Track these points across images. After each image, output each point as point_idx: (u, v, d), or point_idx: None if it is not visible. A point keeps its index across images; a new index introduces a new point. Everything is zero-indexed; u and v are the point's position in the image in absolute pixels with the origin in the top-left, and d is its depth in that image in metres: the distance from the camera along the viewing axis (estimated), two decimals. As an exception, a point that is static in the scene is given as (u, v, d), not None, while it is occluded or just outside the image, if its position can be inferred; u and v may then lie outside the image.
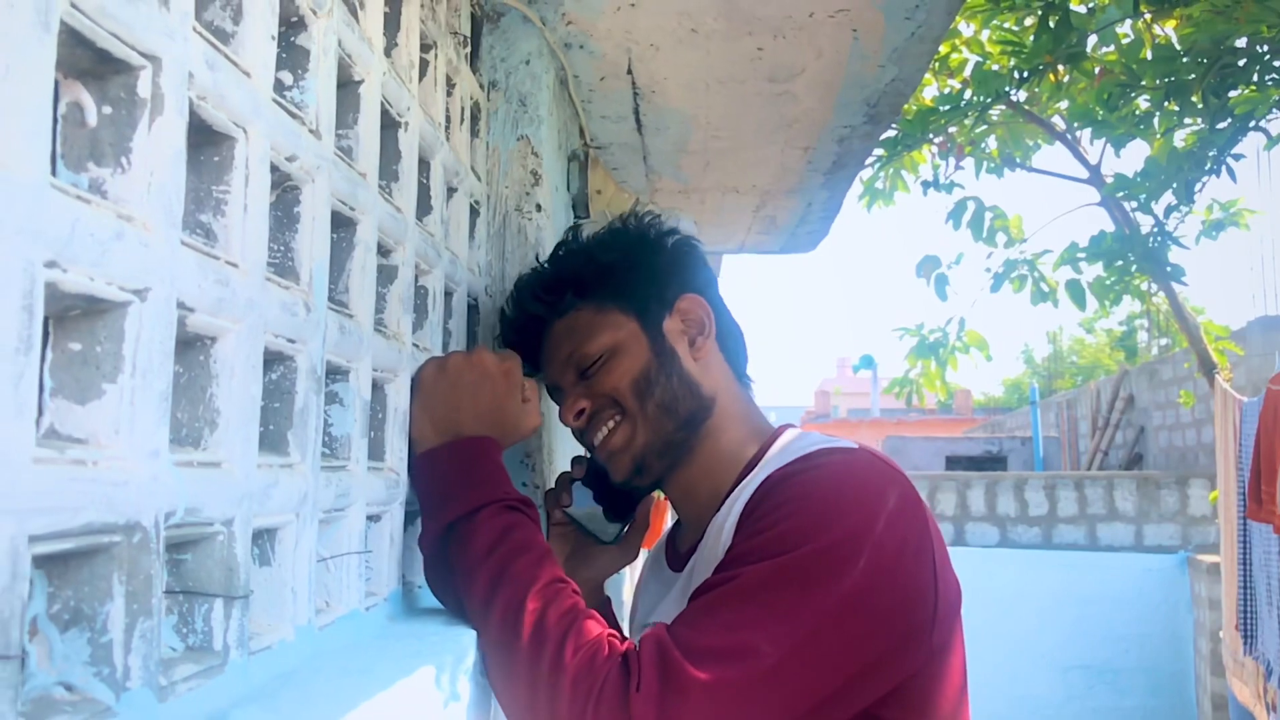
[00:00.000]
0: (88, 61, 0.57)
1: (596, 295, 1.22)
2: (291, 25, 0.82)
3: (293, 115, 0.79)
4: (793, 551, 0.92)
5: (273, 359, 0.78)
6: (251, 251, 0.71)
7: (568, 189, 1.83)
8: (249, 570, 0.71)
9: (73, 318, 0.57)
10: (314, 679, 0.73)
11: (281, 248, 0.81)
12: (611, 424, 1.20)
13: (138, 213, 0.58)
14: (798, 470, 1.03)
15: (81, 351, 0.58)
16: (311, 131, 0.82)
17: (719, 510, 1.13)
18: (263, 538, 0.78)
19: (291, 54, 0.83)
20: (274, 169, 0.76)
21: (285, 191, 0.81)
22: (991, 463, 13.06)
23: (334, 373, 0.91)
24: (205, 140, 0.69)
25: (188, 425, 0.68)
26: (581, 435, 1.25)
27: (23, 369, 0.48)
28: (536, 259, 1.38)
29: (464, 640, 0.95)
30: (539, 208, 1.51)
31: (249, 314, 0.71)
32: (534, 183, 1.51)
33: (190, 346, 0.68)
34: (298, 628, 0.79)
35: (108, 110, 0.59)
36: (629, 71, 1.78)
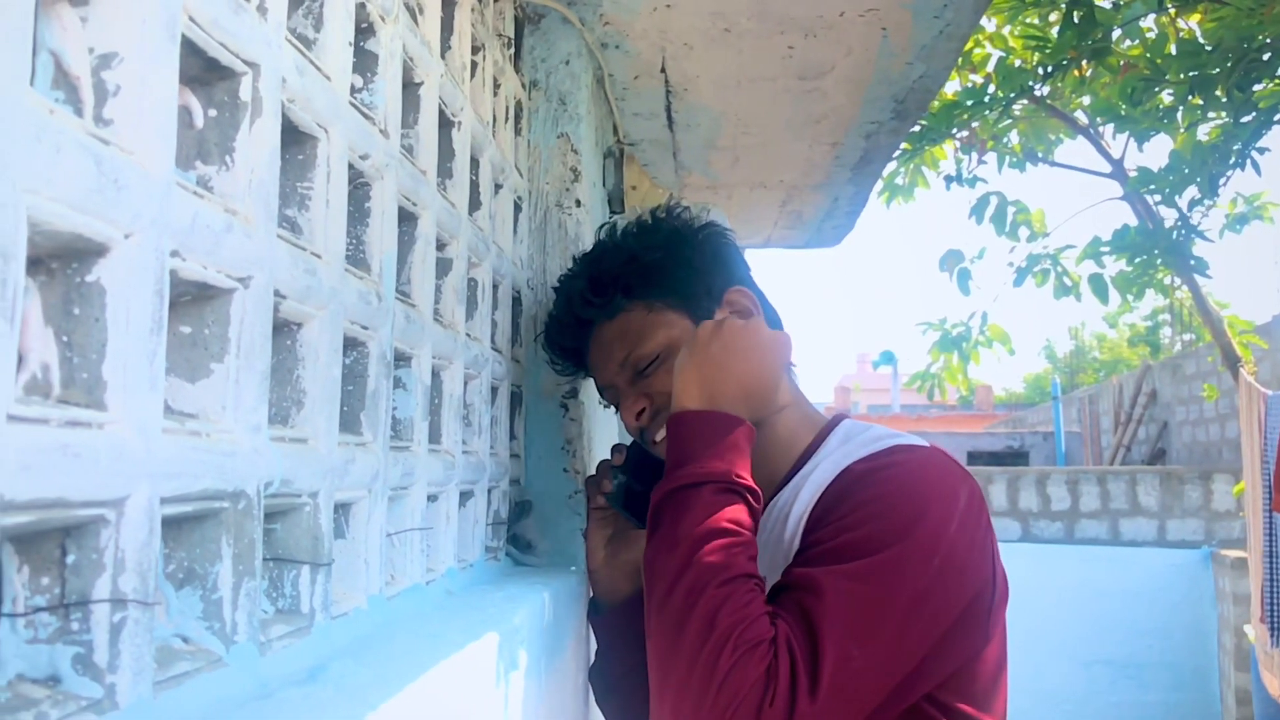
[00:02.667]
0: (197, 69, 0.62)
1: (645, 295, 1.23)
2: (362, 31, 0.88)
3: (366, 116, 0.84)
4: (882, 552, 0.97)
5: (348, 345, 0.83)
6: (333, 244, 0.77)
7: (603, 185, 1.88)
8: (331, 540, 0.76)
9: (183, 303, 0.63)
10: (391, 641, 0.79)
11: (354, 240, 0.86)
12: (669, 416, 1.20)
13: (241, 207, 0.63)
14: (878, 467, 1.07)
15: (191, 334, 0.63)
16: (381, 131, 0.87)
17: (779, 492, 1.17)
18: (338, 512, 0.83)
19: (362, 58, 0.88)
20: (349, 166, 0.82)
21: (356, 188, 0.86)
22: (1013, 458, 13.04)
23: (398, 359, 0.96)
24: (291, 140, 0.75)
25: (277, 404, 0.73)
26: (641, 433, 1.26)
27: (155, 348, 0.54)
28: (574, 258, 1.40)
29: (520, 614, 1.00)
30: (578, 203, 1.56)
31: (331, 302, 0.76)
32: (573, 179, 1.56)
33: (279, 331, 0.73)
34: (370, 596, 0.85)
35: (213, 113, 0.64)
36: (662, 70, 1.83)
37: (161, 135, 0.54)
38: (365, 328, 0.84)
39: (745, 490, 1.05)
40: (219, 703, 0.58)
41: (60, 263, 0.51)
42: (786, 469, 1.19)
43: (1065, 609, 7.95)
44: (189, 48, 0.59)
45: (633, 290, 1.23)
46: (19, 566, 0.49)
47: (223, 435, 0.61)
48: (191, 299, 0.62)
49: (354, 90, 0.86)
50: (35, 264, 0.50)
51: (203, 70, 0.63)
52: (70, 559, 0.50)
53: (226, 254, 0.61)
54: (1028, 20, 5.35)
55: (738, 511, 1.03)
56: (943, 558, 0.98)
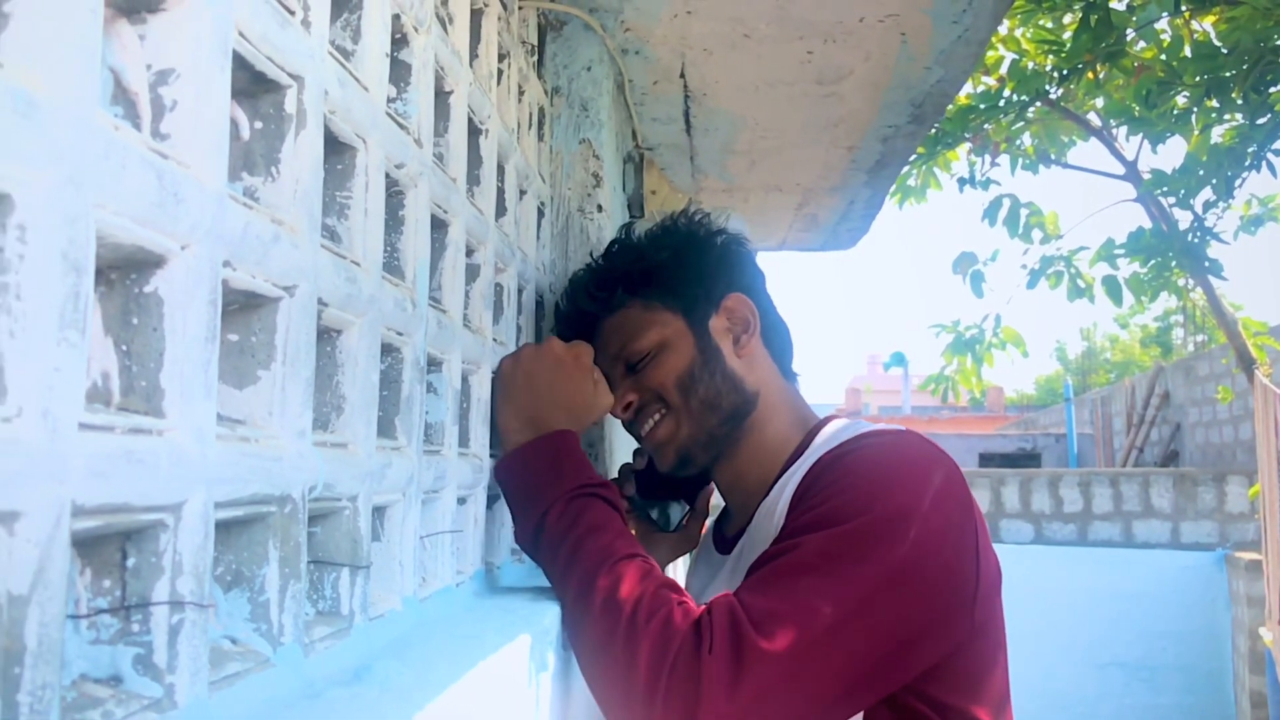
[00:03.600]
0: (244, 82, 0.64)
1: (645, 293, 1.27)
2: (396, 42, 0.89)
3: (401, 126, 0.86)
4: (847, 523, 0.97)
5: (384, 351, 0.84)
6: (371, 252, 0.78)
7: (624, 190, 1.89)
8: (369, 543, 0.78)
9: (231, 311, 0.64)
10: (429, 642, 0.80)
11: (389, 248, 0.87)
12: (657, 417, 1.26)
13: (287, 217, 0.65)
14: (849, 450, 1.08)
15: (238, 342, 0.64)
16: (415, 141, 0.89)
17: (767, 495, 1.19)
18: (375, 515, 0.84)
19: (396, 69, 0.89)
20: (385, 176, 0.83)
21: (391, 196, 0.88)
22: (1025, 459, 13.02)
23: (430, 364, 0.97)
24: (331, 150, 0.76)
25: (318, 410, 0.75)
26: (630, 426, 1.32)
27: (210, 356, 0.55)
28: (591, 256, 1.44)
29: (549, 615, 1.01)
30: (600, 208, 1.57)
31: (370, 309, 0.77)
32: (595, 184, 1.57)
33: (320, 338, 0.74)
34: (404, 598, 0.86)
35: (259, 125, 0.66)
36: (681, 75, 1.84)
37: (215, 148, 0.55)
38: (400, 334, 0.85)
39: (595, 489, 1.09)
40: (269, 702, 0.59)
41: (119, 274, 0.53)
42: (776, 470, 1.21)
43: (1078, 611, 7.94)
44: (238, 62, 0.60)
45: (634, 288, 1.28)
46: (81, 569, 0.50)
47: (270, 441, 0.63)
48: (239, 307, 0.64)
49: (389, 100, 0.88)
50: (96, 275, 0.51)
51: (249, 83, 0.64)
52: (130, 562, 0.51)
53: (274, 263, 0.62)
54: (1041, 23, 5.35)
55: (598, 509, 1.07)
56: (916, 533, 0.96)
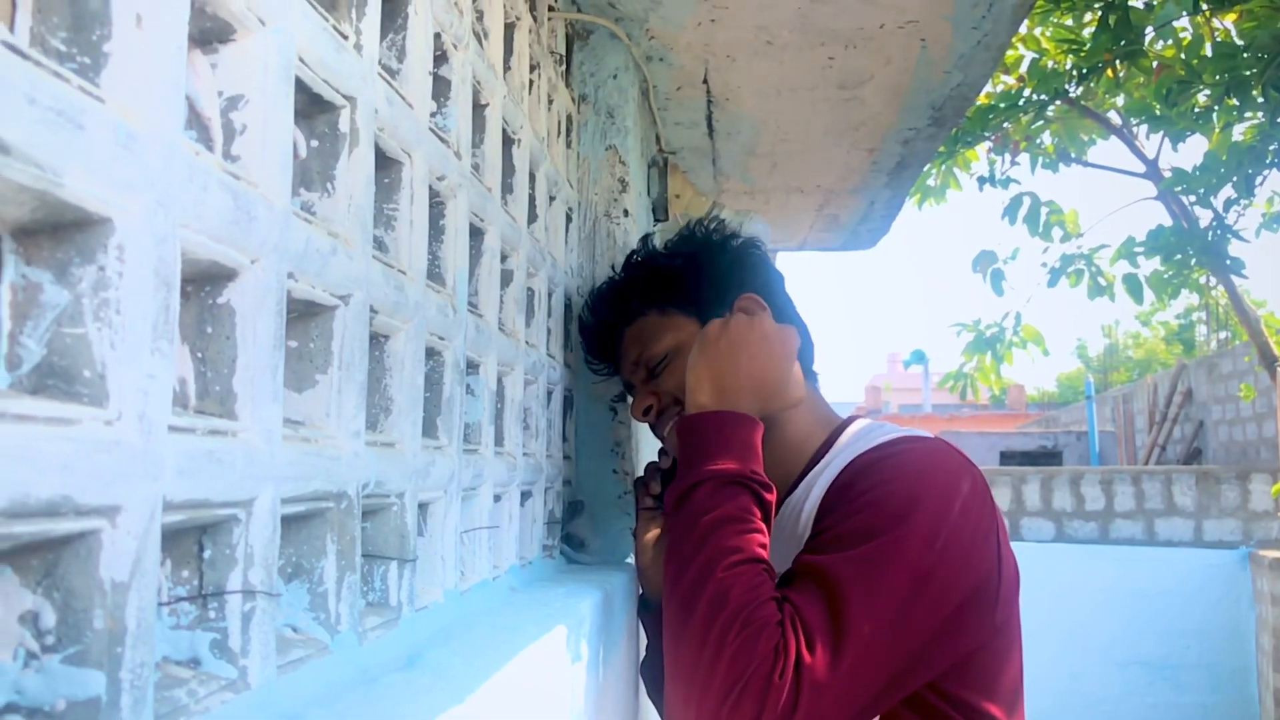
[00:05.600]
0: (300, 104, 0.68)
1: (661, 301, 1.32)
2: (436, 59, 0.93)
3: (441, 140, 0.89)
4: (883, 535, 1.01)
5: (427, 354, 0.88)
6: (416, 261, 0.82)
7: (648, 193, 1.92)
8: (415, 538, 0.82)
9: (291, 320, 0.68)
10: (472, 632, 0.84)
11: (431, 256, 0.91)
12: (677, 418, 1.28)
13: (342, 230, 0.69)
14: (882, 456, 1.11)
15: (297, 348, 0.68)
16: (455, 153, 0.93)
17: (793, 491, 1.22)
18: (419, 511, 0.88)
19: (437, 85, 0.93)
20: (428, 188, 0.87)
21: (432, 207, 0.92)
22: (1046, 458, 12.97)
23: (468, 366, 1.01)
24: (379, 165, 0.80)
25: (368, 411, 0.78)
26: (654, 429, 1.35)
27: (276, 362, 0.59)
28: (612, 268, 1.48)
29: (581, 608, 1.05)
30: (626, 213, 1.61)
31: (415, 315, 0.81)
32: (621, 189, 1.61)
33: (370, 343, 0.78)
34: (446, 591, 0.90)
35: (314, 144, 0.70)
36: (704, 81, 1.88)
37: (281, 168, 0.59)
38: (442, 338, 0.89)
39: (757, 483, 1.09)
40: (330, 686, 0.63)
41: (195, 286, 0.56)
42: (800, 468, 1.24)
43: (1100, 609, 7.91)
44: (296, 85, 0.64)
45: (649, 297, 1.33)
46: (163, 560, 0.54)
47: (329, 441, 0.66)
48: (299, 315, 0.68)
49: (430, 115, 0.92)
50: (175, 288, 0.55)
51: (306, 105, 0.68)
52: (207, 554, 0.55)
53: (331, 274, 0.66)
54: (1060, 22, 5.35)
55: (748, 502, 1.07)
56: (945, 540, 1.00)
